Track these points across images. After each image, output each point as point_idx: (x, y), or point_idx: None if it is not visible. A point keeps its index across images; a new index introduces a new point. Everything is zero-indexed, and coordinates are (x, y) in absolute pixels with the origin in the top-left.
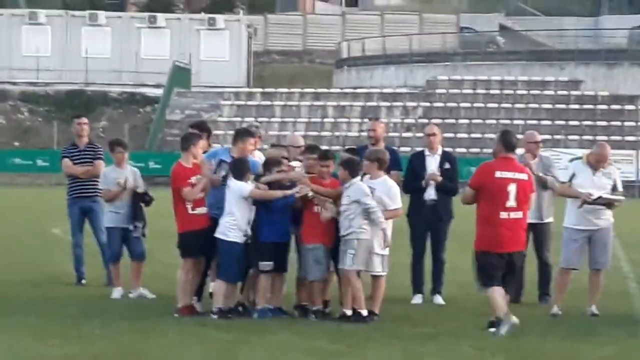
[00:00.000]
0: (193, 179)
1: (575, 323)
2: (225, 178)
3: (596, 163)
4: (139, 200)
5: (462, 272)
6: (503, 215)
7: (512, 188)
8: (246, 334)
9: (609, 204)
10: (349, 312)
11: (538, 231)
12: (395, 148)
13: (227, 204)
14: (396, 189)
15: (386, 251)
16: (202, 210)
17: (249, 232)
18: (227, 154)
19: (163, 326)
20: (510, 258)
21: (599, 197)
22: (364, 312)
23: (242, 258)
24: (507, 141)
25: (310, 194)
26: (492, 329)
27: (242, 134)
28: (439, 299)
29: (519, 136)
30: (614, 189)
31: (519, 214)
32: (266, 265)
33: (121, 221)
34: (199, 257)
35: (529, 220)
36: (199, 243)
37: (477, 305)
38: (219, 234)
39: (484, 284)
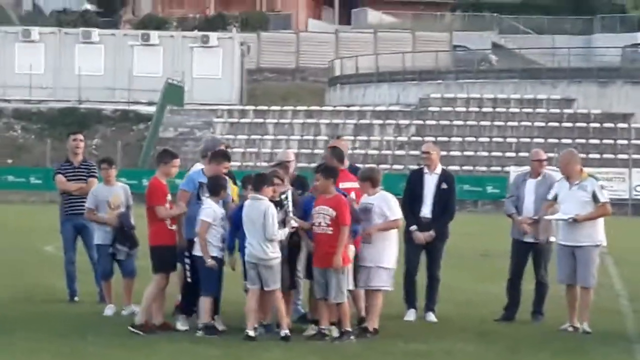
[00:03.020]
0: (169, 197)
1: (568, 340)
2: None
3: (563, 173)
4: (122, 225)
5: (456, 290)
6: None
7: (353, 195)
8: (238, 351)
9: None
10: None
11: (536, 251)
12: (358, 166)
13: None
14: (394, 201)
15: (391, 265)
16: (175, 226)
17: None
18: (202, 175)
19: (155, 343)
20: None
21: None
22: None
23: (221, 272)
24: (338, 155)
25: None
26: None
27: (218, 157)
28: (431, 317)
29: (511, 154)
30: (595, 200)
31: None
32: (246, 284)
33: (111, 239)
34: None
35: (528, 240)
36: (174, 258)
37: (471, 324)
38: (199, 252)
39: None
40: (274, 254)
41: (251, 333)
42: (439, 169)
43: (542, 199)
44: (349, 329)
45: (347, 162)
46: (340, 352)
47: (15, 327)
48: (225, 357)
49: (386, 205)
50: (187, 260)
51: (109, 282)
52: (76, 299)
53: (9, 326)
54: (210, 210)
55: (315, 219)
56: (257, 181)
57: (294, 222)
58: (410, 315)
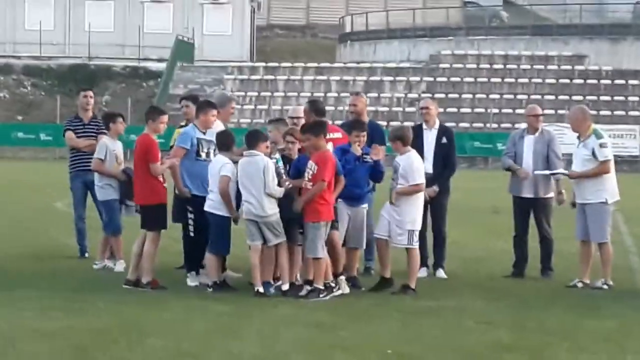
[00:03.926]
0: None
1: (578, 297)
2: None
3: (574, 130)
4: (129, 179)
5: (466, 247)
6: None
7: (329, 146)
8: (247, 308)
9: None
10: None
11: (536, 206)
12: (378, 123)
13: (212, 179)
14: (418, 165)
15: (409, 227)
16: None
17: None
18: (197, 130)
19: (165, 300)
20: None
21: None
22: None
23: (230, 231)
24: (317, 109)
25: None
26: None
27: (204, 106)
28: (441, 273)
29: (521, 111)
30: (595, 158)
31: None
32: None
33: (117, 193)
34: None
35: (527, 196)
36: (166, 214)
37: (480, 280)
38: (210, 209)
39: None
40: (273, 210)
41: (260, 289)
42: (437, 124)
43: (541, 155)
44: (320, 286)
45: (366, 118)
46: (350, 308)
47: (26, 284)
48: (236, 313)
49: (409, 168)
50: (190, 216)
51: (119, 237)
52: (87, 255)
53: (19, 282)
54: (230, 165)
55: (305, 176)
56: (251, 137)
57: (287, 183)
58: (422, 273)
